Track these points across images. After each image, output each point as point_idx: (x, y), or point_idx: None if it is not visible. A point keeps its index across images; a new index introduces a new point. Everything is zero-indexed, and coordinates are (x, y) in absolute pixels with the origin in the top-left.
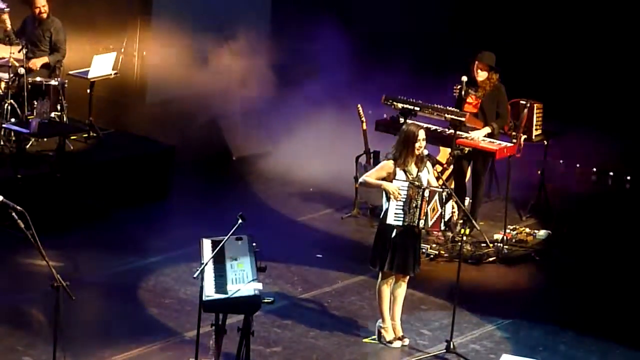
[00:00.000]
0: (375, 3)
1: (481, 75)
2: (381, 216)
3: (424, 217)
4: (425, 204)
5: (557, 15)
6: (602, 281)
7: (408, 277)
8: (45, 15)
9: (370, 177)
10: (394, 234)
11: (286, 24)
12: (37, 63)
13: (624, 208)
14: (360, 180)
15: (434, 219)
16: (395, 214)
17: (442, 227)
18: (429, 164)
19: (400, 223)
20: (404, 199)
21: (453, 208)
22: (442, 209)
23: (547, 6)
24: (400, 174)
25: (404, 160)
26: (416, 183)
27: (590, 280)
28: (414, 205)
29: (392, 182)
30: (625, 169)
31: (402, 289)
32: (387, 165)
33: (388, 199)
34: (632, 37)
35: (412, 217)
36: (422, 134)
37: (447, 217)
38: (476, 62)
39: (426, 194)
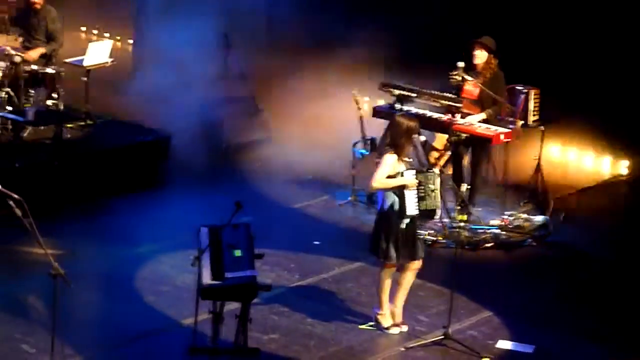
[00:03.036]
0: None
1: (480, 57)
2: (385, 208)
3: (440, 199)
4: (438, 185)
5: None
6: (599, 267)
7: (416, 264)
8: (39, 6)
9: (382, 177)
10: (404, 225)
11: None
12: (33, 55)
13: (621, 194)
14: (375, 184)
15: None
16: (413, 203)
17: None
18: None
19: (417, 211)
20: (415, 188)
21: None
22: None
23: None
24: (401, 166)
25: (404, 152)
26: (424, 169)
27: (587, 267)
28: (430, 189)
29: (396, 176)
30: (623, 156)
31: (410, 277)
32: (392, 161)
33: (394, 192)
34: (628, 25)
35: (432, 201)
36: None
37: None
38: (475, 45)
39: (436, 176)
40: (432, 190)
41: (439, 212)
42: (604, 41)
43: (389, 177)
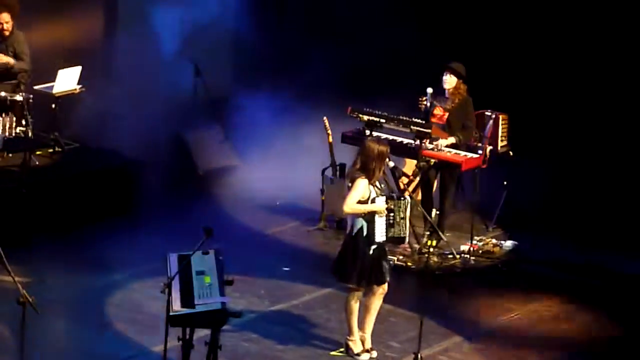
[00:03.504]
0: (340, 16)
1: (449, 82)
2: (353, 233)
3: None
4: (408, 213)
5: (522, 26)
6: (569, 291)
7: (383, 288)
8: (7, 33)
9: (354, 202)
10: (372, 251)
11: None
12: (2, 58)
13: (591, 216)
14: (346, 209)
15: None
16: (381, 230)
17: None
18: None
19: (385, 238)
20: (386, 214)
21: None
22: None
23: (512, 18)
24: (373, 191)
25: (375, 177)
26: (394, 195)
27: (556, 290)
28: (399, 217)
29: (367, 200)
30: (592, 179)
31: (377, 301)
32: (363, 186)
33: (363, 218)
34: (596, 48)
35: (400, 229)
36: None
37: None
38: (445, 70)
39: (407, 203)
40: (402, 218)
41: (407, 239)
42: (571, 64)
43: (360, 202)
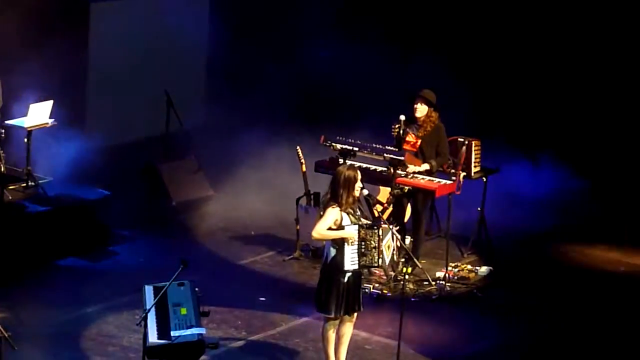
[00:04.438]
0: (308, 40)
1: (420, 111)
2: (327, 261)
3: (381, 256)
4: (380, 242)
5: (493, 52)
6: (546, 317)
7: (355, 316)
8: None
9: (323, 228)
10: (346, 279)
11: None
12: None
13: (566, 242)
14: (315, 235)
15: (390, 255)
16: (352, 258)
17: (397, 260)
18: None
19: (356, 267)
20: (357, 242)
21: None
22: (394, 243)
23: (484, 44)
24: (345, 218)
25: (346, 203)
26: (367, 224)
27: (533, 317)
28: (372, 246)
29: (339, 228)
30: (565, 203)
31: (349, 329)
32: (334, 213)
33: (338, 245)
34: (567, 71)
35: (371, 258)
36: (359, 176)
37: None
38: (416, 98)
39: (380, 232)
40: (374, 247)
41: (386, 265)
42: (544, 91)
43: (332, 229)
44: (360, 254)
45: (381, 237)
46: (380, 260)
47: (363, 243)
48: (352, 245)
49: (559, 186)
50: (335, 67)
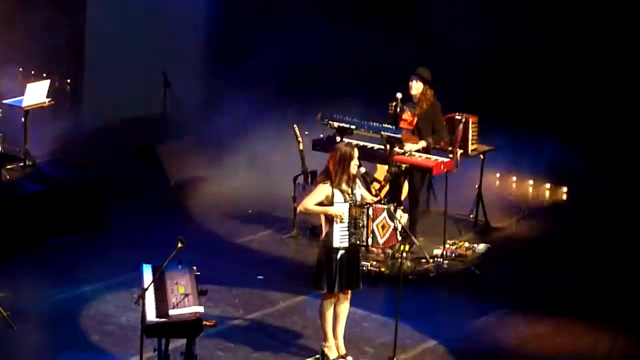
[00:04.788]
0: (306, 18)
1: (416, 88)
2: (322, 238)
3: (371, 235)
4: (370, 221)
5: (488, 30)
6: (543, 294)
7: (350, 293)
8: None
9: (310, 203)
10: (339, 256)
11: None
12: None
13: (562, 219)
14: (301, 208)
15: (387, 234)
16: (341, 236)
17: (399, 239)
18: (358, 180)
19: (346, 244)
20: (346, 221)
21: (401, 217)
22: (393, 223)
23: (477, 21)
24: (337, 195)
25: (340, 181)
26: (358, 203)
27: (530, 293)
28: (360, 225)
29: (331, 204)
30: (561, 180)
31: (345, 307)
32: (323, 189)
33: (329, 222)
34: (560, 49)
35: (359, 237)
36: (355, 153)
37: (399, 227)
38: (412, 76)
39: (370, 212)
40: (362, 226)
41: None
42: (539, 67)
43: (324, 205)
44: (351, 233)
45: (371, 216)
46: (370, 239)
47: (354, 221)
48: (341, 223)
49: (556, 162)
50: (324, 46)
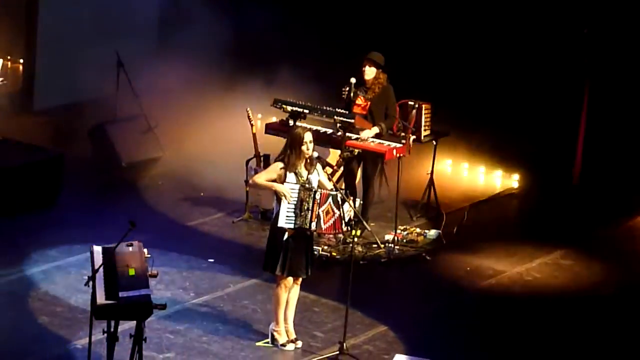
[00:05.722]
0: (258, 4)
1: (369, 73)
2: (272, 219)
3: (316, 220)
4: (316, 206)
5: (444, 16)
6: (492, 281)
7: (300, 279)
8: None
9: (260, 178)
10: (285, 237)
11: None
12: None
13: (513, 207)
14: (250, 181)
15: (330, 221)
16: (287, 216)
17: (344, 228)
18: (319, 166)
19: (291, 226)
20: (294, 202)
21: (350, 208)
22: (339, 211)
23: (433, 7)
24: (290, 176)
25: (293, 163)
26: (307, 186)
27: (480, 280)
28: (305, 207)
29: (282, 184)
30: (512, 169)
31: (294, 292)
32: (276, 168)
33: (279, 202)
34: (517, 39)
35: (303, 220)
36: (308, 137)
37: (346, 218)
38: (364, 61)
39: (317, 196)
40: (307, 209)
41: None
42: (494, 55)
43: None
44: (297, 215)
45: (318, 200)
46: (313, 224)
47: (300, 204)
48: (289, 203)
49: (508, 150)
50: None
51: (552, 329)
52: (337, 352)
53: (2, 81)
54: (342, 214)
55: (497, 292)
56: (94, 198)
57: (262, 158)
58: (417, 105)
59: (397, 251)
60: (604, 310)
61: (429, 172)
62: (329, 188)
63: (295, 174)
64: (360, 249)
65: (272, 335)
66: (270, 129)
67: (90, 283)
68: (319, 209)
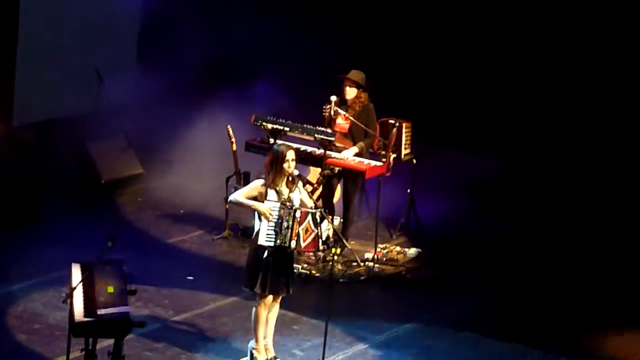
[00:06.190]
0: (239, 20)
1: (350, 93)
2: (253, 237)
3: (296, 238)
4: (296, 224)
5: (424, 36)
6: (475, 298)
7: (280, 297)
8: None
9: (241, 196)
10: (265, 255)
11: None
12: None
13: (492, 225)
14: (231, 198)
15: (309, 239)
16: (267, 234)
17: (321, 247)
18: (300, 185)
19: (271, 244)
20: (275, 220)
21: (329, 226)
22: (317, 229)
23: (414, 26)
24: (271, 194)
25: (274, 181)
26: (287, 204)
27: (462, 296)
28: (285, 226)
29: (263, 202)
30: (493, 187)
31: (274, 310)
32: (257, 185)
33: (260, 220)
34: (497, 57)
35: (283, 238)
36: (290, 154)
37: (324, 237)
38: (345, 81)
39: (297, 214)
40: (287, 227)
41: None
42: (474, 74)
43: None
44: (277, 233)
45: (297, 219)
46: (292, 242)
47: (281, 222)
48: (269, 222)
49: (486, 170)
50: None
51: (541, 338)
52: None
53: None
54: (319, 232)
55: (477, 309)
56: (74, 215)
57: (242, 175)
58: (397, 124)
59: (376, 269)
60: None
61: (409, 190)
62: (310, 206)
63: (277, 191)
64: (340, 267)
65: (252, 354)
66: (250, 146)
67: (69, 300)
68: (298, 227)
